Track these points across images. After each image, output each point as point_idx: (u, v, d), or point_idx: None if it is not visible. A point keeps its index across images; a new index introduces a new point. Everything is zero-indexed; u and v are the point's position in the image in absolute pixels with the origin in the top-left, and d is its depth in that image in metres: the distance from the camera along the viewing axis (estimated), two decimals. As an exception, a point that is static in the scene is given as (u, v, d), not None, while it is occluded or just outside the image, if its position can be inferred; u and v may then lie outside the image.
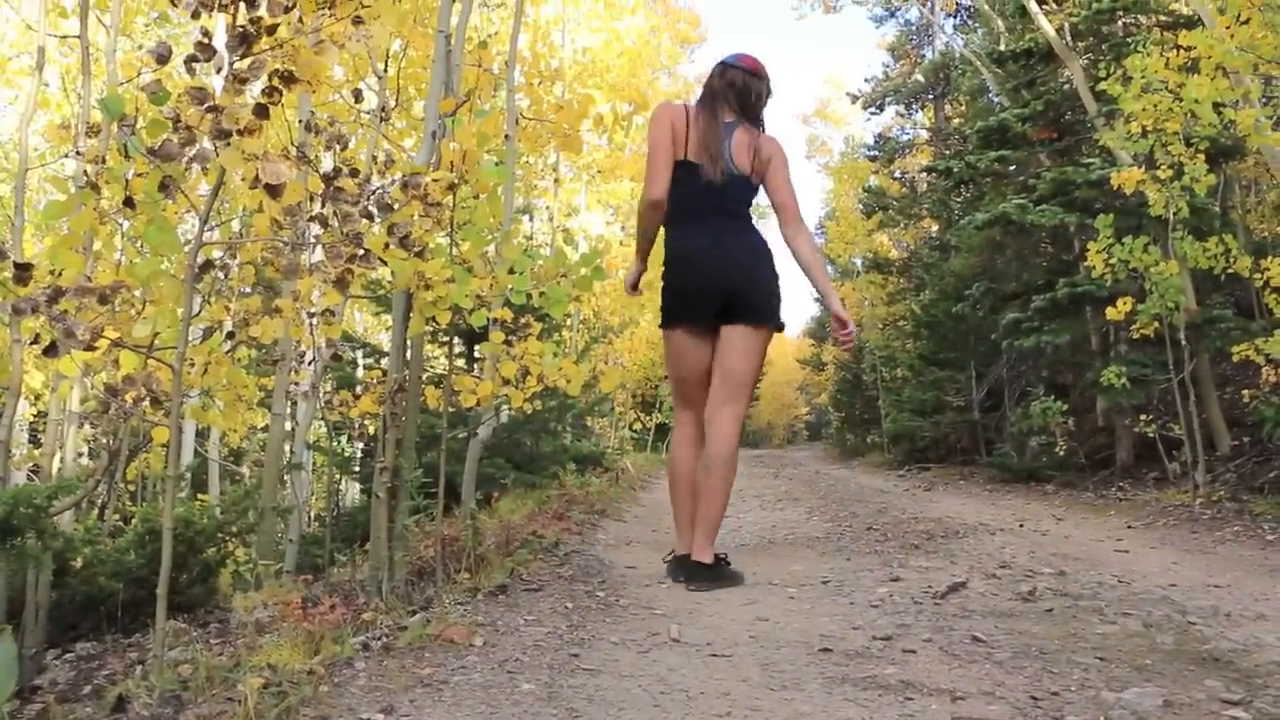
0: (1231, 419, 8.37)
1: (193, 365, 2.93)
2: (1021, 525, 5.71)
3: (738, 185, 3.93)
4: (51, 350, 2.37)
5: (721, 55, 4.12)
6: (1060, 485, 8.77)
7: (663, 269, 4.02)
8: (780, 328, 4.02)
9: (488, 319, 3.36)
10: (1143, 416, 7.79)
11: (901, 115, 27.61)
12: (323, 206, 2.81)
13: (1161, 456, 7.65)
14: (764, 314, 3.93)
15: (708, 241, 3.89)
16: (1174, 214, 7.11)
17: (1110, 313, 7.32)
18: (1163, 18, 10.10)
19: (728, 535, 5.62)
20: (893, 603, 3.36)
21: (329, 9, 2.44)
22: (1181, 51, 6.59)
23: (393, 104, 6.52)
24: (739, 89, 3.99)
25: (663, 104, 4.12)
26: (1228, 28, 5.75)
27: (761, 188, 4.04)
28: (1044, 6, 11.00)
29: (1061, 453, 9.25)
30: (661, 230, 4.08)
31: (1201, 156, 6.99)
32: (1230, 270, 6.96)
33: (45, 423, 7.97)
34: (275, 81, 2.41)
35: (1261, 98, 6.56)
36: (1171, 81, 6.67)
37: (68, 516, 6.33)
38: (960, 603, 3.32)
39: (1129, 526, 5.71)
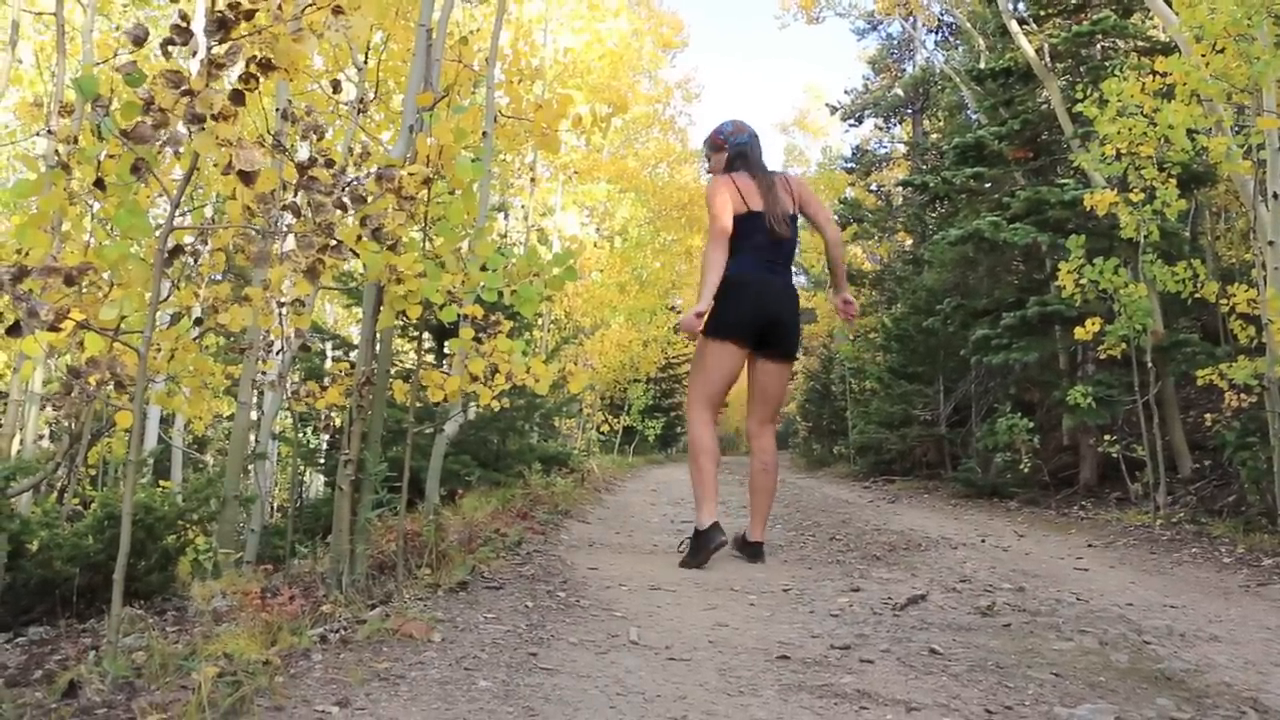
0: (1194, 442, 8.46)
1: (159, 350, 2.90)
2: (983, 540, 5.75)
3: (792, 223, 4.77)
4: (15, 330, 2.34)
5: (721, 121, 5.03)
6: (1023, 502, 8.82)
7: (723, 289, 4.59)
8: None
9: (458, 315, 3.35)
10: (1107, 437, 7.86)
11: (880, 128, 27.68)
12: (296, 195, 2.80)
13: (1124, 477, 7.71)
14: (794, 350, 4.89)
15: (765, 275, 4.67)
16: (1145, 237, 7.18)
17: (1079, 333, 7.38)
18: (1140, 43, 10.19)
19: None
20: (852, 613, 3.37)
21: (310, -3, 2.43)
22: (1157, 77, 6.65)
23: (371, 96, 6.49)
24: (760, 150, 4.92)
25: (718, 177, 4.81)
26: (1203, 56, 5.81)
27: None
28: (1024, 27, 11.10)
29: (1026, 470, 9.31)
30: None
31: (1173, 182, 7.05)
32: (1198, 295, 7.01)
33: (6, 403, 7.88)
34: (253, 68, 2.40)
35: (1234, 126, 6.62)
36: (1147, 106, 6.73)
37: (25, 499, 6.26)
38: (919, 615, 3.34)
39: (1089, 545, 5.75)
